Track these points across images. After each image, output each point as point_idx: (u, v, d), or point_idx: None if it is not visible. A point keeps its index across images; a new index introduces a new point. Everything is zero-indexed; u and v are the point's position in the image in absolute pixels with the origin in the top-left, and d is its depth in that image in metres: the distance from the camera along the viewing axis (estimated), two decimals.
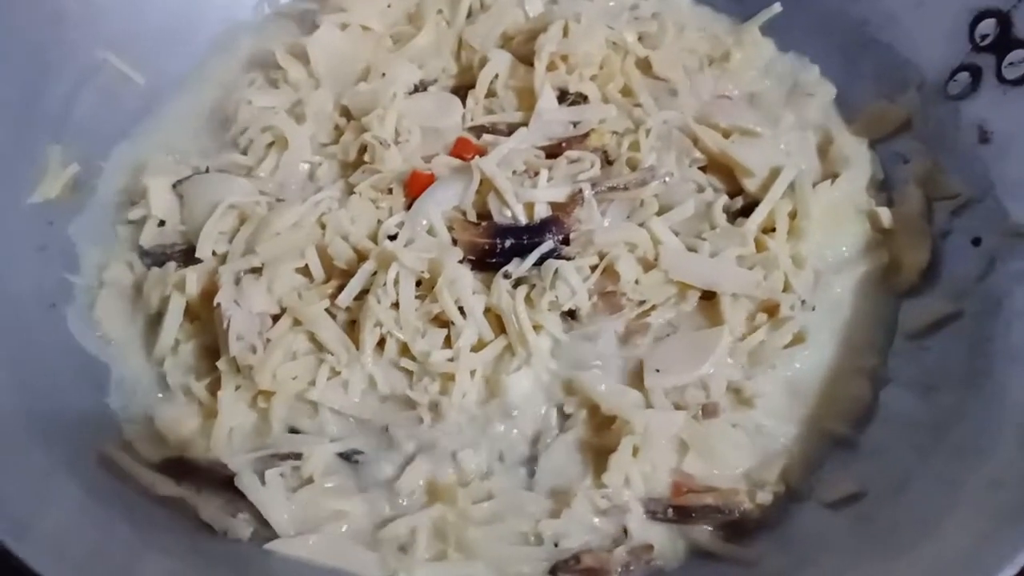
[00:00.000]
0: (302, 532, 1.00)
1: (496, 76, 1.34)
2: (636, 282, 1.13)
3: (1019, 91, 1.19)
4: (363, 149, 1.26)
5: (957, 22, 1.27)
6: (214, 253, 1.17)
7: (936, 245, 1.23)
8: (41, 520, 0.87)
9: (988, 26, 1.24)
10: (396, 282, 1.08)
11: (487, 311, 1.10)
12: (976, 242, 1.19)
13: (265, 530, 1.00)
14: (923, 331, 1.17)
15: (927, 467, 1.01)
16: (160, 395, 1.11)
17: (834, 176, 1.27)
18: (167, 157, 1.31)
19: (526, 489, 1.05)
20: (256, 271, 1.12)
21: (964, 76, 1.26)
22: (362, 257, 1.12)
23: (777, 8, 1.44)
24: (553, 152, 1.25)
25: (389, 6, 1.46)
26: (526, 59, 1.35)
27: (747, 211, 1.21)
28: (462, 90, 1.36)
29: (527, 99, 1.32)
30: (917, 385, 1.12)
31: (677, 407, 1.07)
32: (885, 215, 1.25)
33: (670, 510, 1.02)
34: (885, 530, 0.95)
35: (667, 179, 1.23)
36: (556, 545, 1.00)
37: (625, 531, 1.01)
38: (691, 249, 1.17)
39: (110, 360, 1.14)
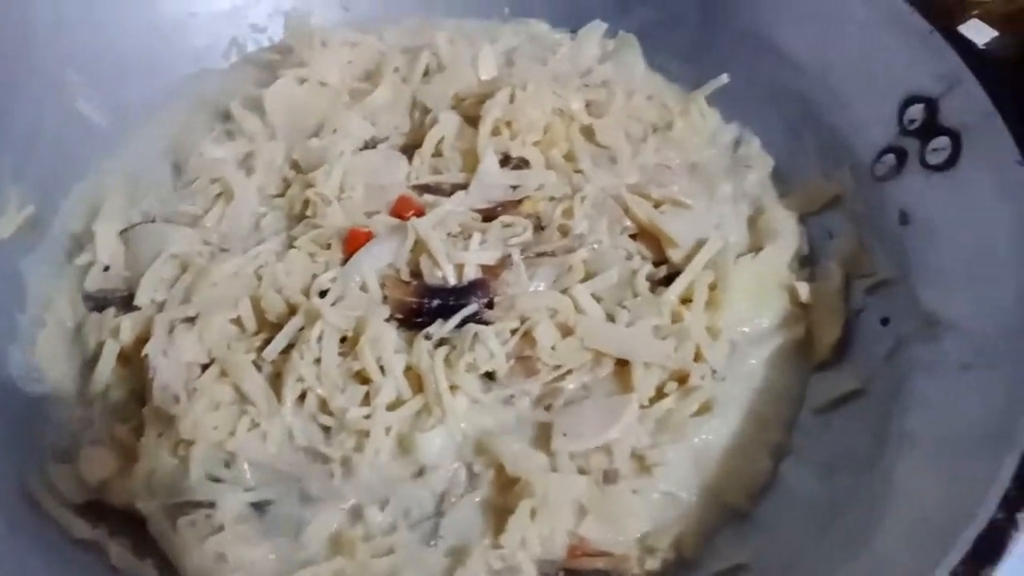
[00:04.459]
0: None
1: (443, 138, 1.38)
2: (553, 348, 1.16)
3: (940, 177, 1.20)
4: (307, 203, 1.29)
5: (890, 104, 1.28)
6: (153, 301, 1.21)
7: (849, 322, 1.25)
8: None
9: (917, 111, 1.25)
10: (320, 339, 1.12)
11: (408, 370, 1.13)
12: (884, 322, 1.21)
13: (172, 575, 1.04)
14: (828, 406, 1.19)
15: (817, 547, 1.02)
16: (86, 436, 1.13)
17: (759, 249, 1.30)
18: (122, 200, 1.33)
19: (427, 545, 1.07)
20: (191, 320, 1.15)
21: (890, 158, 1.28)
22: (293, 311, 1.15)
23: (724, 79, 1.48)
24: (490, 215, 1.29)
25: (350, 62, 1.51)
26: (475, 121, 1.38)
27: (670, 280, 1.24)
28: (412, 148, 1.39)
29: (472, 160, 1.35)
30: (817, 463, 1.14)
31: (581, 471, 1.10)
32: (804, 290, 1.28)
33: (561, 573, 1.05)
34: None
35: (595, 246, 1.27)
36: None
37: None
38: (611, 316, 1.20)
39: (43, 398, 1.16)
